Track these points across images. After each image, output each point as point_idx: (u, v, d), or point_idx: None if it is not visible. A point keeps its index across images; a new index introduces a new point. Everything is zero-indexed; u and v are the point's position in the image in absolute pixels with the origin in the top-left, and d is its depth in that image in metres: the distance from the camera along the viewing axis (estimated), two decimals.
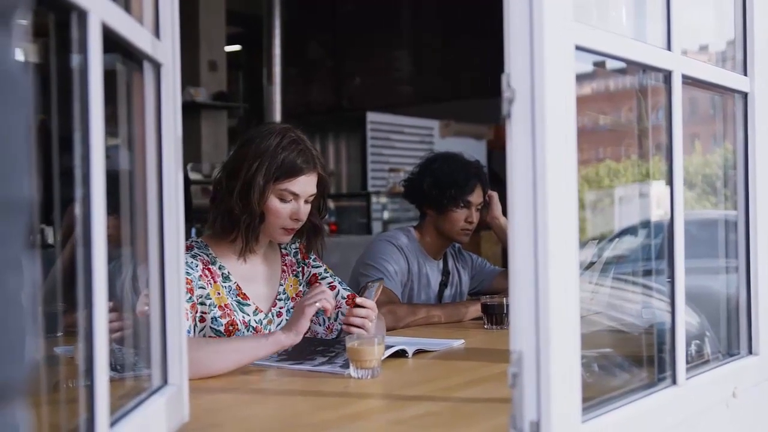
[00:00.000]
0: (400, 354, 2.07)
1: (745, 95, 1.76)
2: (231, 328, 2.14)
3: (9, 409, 0.54)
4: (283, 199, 2.16)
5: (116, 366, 1.35)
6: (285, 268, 2.35)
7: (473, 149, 6.81)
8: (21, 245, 0.56)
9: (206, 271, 2.13)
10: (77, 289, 1.01)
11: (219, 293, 2.15)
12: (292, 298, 2.32)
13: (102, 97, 1.01)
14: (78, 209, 1.00)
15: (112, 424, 1.08)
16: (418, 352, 2.14)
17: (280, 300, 2.30)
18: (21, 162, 0.54)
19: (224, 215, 2.17)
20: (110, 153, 1.09)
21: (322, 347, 2.10)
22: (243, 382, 1.84)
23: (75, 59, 1.00)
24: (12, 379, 0.54)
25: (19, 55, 0.58)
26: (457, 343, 2.30)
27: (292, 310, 2.28)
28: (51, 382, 1.23)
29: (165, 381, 1.36)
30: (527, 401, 1.15)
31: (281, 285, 2.32)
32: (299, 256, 2.38)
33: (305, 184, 2.17)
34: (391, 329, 2.64)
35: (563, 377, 1.16)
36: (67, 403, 1.25)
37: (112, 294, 1.08)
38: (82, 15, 0.98)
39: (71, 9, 0.96)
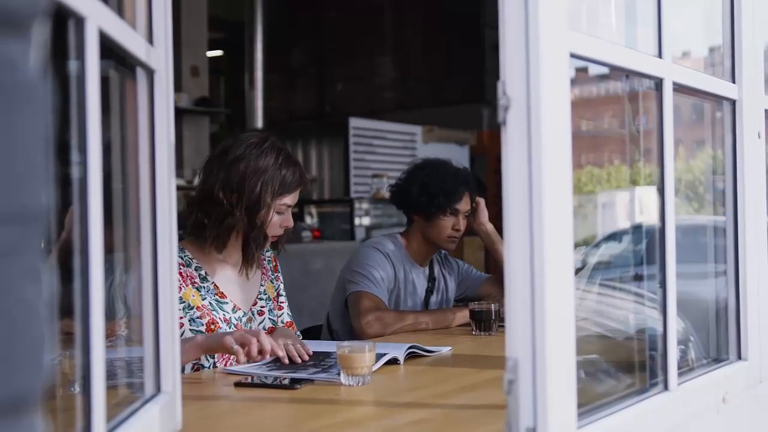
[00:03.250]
0: (392, 361, 2.07)
1: (733, 102, 1.77)
2: (213, 326, 2.20)
3: (30, 418, 0.54)
4: (279, 212, 2.27)
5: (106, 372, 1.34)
6: (264, 270, 2.43)
7: (456, 155, 6.83)
8: (39, 254, 0.55)
9: (178, 275, 2.15)
10: (67, 296, 1.01)
11: (194, 295, 2.20)
12: (273, 299, 2.41)
13: (99, 103, 1.01)
14: (75, 216, 0.99)
15: None
16: (410, 355, 2.14)
17: (261, 299, 2.38)
18: (40, 171, 0.54)
19: (227, 232, 2.23)
20: (102, 159, 1.08)
21: (313, 360, 2.09)
22: (235, 390, 1.83)
23: (72, 65, 0.99)
24: (34, 388, 0.54)
25: (37, 64, 0.57)
26: (446, 350, 2.31)
27: (273, 310, 2.40)
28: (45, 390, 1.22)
29: (158, 389, 1.35)
30: (523, 407, 1.15)
31: (262, 285, 2.39)
32: (272, 265, 2.48)
33: (297, 196, 2.31)
34: (379, 336, 2.64)
35: (559, 383, 1.16)
36: (59, 411, 1.24)
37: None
38: (80, 21, 0.97)
39: (69, 15, 0.95)
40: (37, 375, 0.55)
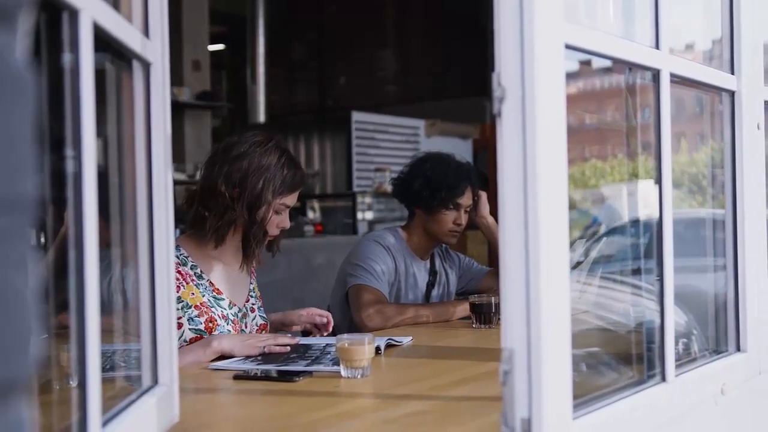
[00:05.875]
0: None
1: (732, 93, 1.77)
2: (210, 324, 2.21)
3: (16, 406, 0.54)
4: (277, 212, 2.28)
5: (103, 366, 1.34)
6: (252, 269, 2.46)
7: (459, 149, 6.82)
8: (26, 243, 0.56)
9: (177, 274, 2.16)
10: (66, 290, 1.01)
11: (193, 293, 2.22)
12: (259, 297, 2.45)
13: (93, 97, 1.01)
14: (69, 210, 0.99)
15: (104, 424, 1.07)
16: (388, 346, 2.19)
17: (252, 296, 2.41)
18: (27, 160, 0.54)
19: (226, 226, 2.25)
20: (98, 153, 1.08)
21: (295, 354, 2.09)
22: (233, 383, 1.83)
23: (66, 58, 0.99)
24: (20, 376, 0.54)
25: (23, 54, 0.58)
26: (407, 340, 2.33)
27: (261, 308, 2.43)
28: (39, 382, 1.22)
29: (155, 381, 1.35)
30: (518, 398, 1.15)
31: (251, 283, 2.43)
32: (254, 264, 2.49)
33: (296, 197, 2.33)
34: (379, 329, 2.65)
35: (554, 374, 1.16)
36: (55, 403, 1.25)
37: (99, 295, 1.07)
38: (74, 14, 0.97)
39: (63, 8, 0.95)
40: (23, 362, 0.55)
